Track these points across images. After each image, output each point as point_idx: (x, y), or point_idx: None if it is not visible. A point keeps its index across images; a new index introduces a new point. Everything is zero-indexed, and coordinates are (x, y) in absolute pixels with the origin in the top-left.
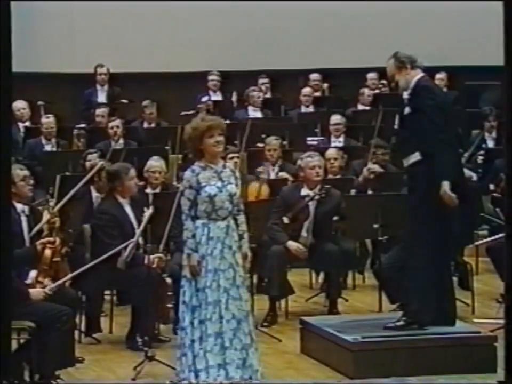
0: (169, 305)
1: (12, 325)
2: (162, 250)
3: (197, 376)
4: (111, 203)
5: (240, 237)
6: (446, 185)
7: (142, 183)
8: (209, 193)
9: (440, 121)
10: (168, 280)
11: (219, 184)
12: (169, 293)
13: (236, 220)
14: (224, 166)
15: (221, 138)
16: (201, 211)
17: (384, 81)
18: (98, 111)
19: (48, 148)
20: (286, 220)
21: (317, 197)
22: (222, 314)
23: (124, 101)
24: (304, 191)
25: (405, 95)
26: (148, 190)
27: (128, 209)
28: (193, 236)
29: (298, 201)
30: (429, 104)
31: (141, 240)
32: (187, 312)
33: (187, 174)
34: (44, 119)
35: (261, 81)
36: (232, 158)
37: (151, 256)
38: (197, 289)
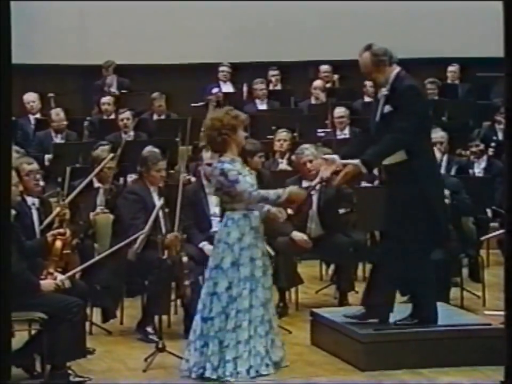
0: (187, 283)
1: (22, 316)
2: (177, 230)
3: (219, 367)
4: (140, 186)
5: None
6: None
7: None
8: (251, 183)
9: (414, 125)
10: (185, 259)
11: (253, 177)
12: (185, 271)
13: None
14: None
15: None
16: (241, 202)
17: None
18: (105, 99)
19: (57, 140)
20: (290, 211)
21: (318, 186)
22: (252, 303)
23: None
24: (305, 183)
25: (383, 91)
26: None
27: (155, 196)
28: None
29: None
30: (414, 104)
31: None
32: (216, 303)
33: (227, 165)
34: (53, 116)
35: (271, 73)
36: (260, 156)
37: (168, 235)
38: (239, 279)
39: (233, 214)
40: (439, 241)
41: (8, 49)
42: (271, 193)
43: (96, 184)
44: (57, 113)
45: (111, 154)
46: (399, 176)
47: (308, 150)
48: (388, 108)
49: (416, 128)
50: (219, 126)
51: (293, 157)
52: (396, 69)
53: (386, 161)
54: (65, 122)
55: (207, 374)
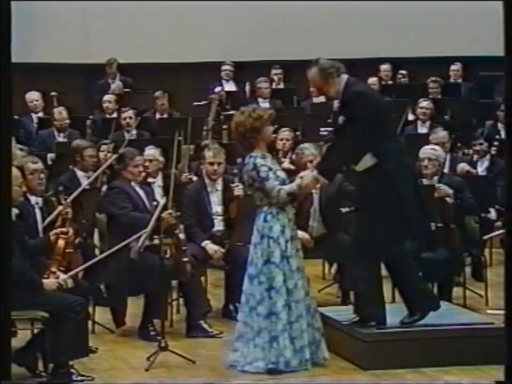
0: (185, 259)
1: (24, 315)
2: (171, 207)
3: (296, 354)
4: (121, 180)
5: None
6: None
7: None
8: (283, 178)
9: (378, 126)
10: (181, 236)
11: (281, 173)
12: (183, 248)
13: None
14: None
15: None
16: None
17: (403, 72)
18: (106, 97)
19: (60, 139)
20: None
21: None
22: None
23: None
24: None
25: (336, 104)
26: (149, 180)
27: (140, 191)
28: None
29: None
30: (361, 109)
31: None
32: (278, 297)
33: (259, 160)
34: (56, 114)
35: (273, 71)
36: None
37: (162, 214)
38: (291, 271)
39: (270, 208)
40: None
41: (7, 48)
42: (294, 186)
43: (80, 173)
44: (59, 112)
45: (115, 155)
46: (371, 180)
47: (308, 150)
48: (341, 119)
49: (370, 132)
50: (243, 131)
51: (293, 156)
52: (344, 78)
53: (357, 168)
54: (67, 121)
55: (281, 367)
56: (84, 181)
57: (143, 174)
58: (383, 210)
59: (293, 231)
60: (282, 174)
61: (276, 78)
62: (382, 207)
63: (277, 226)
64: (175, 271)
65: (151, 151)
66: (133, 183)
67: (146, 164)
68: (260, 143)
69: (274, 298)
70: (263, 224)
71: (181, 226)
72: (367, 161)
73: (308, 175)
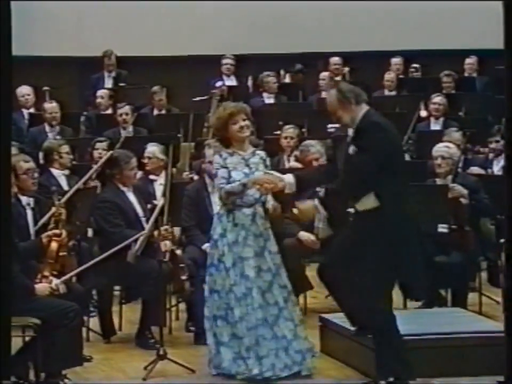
0: (184, 277)
1: (15, 321)
2: (166, 222)
3: (236, 362)
4: (112, 191)
5: (265, 199)
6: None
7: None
8: (234, 179)
9: (372, 159)
10: (178, 252)
11: (246, 170)
12: (181, 265)
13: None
14: (253, 153)
15: (245, 123)
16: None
17: (416, 65)
18: (98, 93)
19: (51, 135)
20: (295, 210)
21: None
22: (247, 303)
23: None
24: None
25: (350, 132)
26: (151, 177)
27: (131, 196)
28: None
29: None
30: (375, 141)
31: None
32: (220, 301)
33: (215, 158)
34: (46, 105)
35: (298, 66)
36: None
37: (161, 228)
38: (242, 276)
39: (220, 210)
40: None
41: (8, 42)
42: (235, 185)
43: (56, 171)
44: (50, 102)
45: (110, 152)
46: (369, 224)
47: (314, 147)
48: (352, 149)
49: (380, 167)
50: (218, 123)
51: (298, 152)
52: (364, 109)
53: (358, 207)
54: (58, 114)
55: (224, 373)
56: (61, 180)
57: (138, 174)
58: (377, 257)
59: (243, 237)
60: (238, 175)
61: (296, 77)
62: (376, 254)
63: (218, 228)
64: (173, 290)
65: (152, 148)
66: (125, 188)
67: (146, 161)
68: (232, 140)
69: (217, 302)
70: (212, 225)
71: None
72: (370, 202)
73: (308, 203)
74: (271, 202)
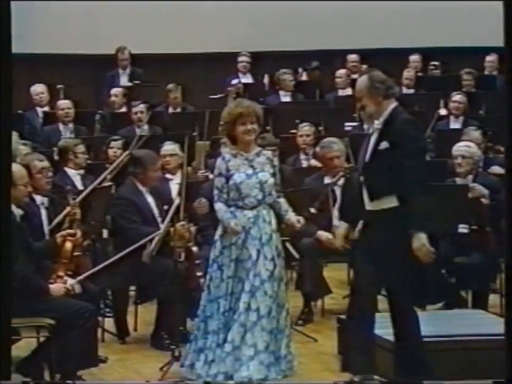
0: (199, 274)
1: (29, 322)
2: (183, 218)
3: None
4: (129, 189)
5: (286, 212)
6: (423, 238)
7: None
8: (235, 181)
9: (423, 163)
10: (195, 249)
11: (249, 171)
12: (197, 261)
13: (274, 205)
14: (258, 154)
15: (253, 126)
16: (230, 199)
17: (435, 63)
18: (113, 91)
19: (66, 134)
20: (313, 210)
21: (340, 181)
22: (231, 306)
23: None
24: (327, 179)
25: (376, 125)
26: (168, 176)
27: (148, 197)
28: (226, 211)
29: (322, 190)
30: (415, 141)
31: None
32: (203, 301)
33: (218, 161)
34: (59, 102)
35: (313, 64)
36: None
37: (177, 224)
38: (222, 279)
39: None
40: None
41: (8, 39)
42: (224, 217)
43: (71, 171)
44: (64, 102)
45: (126, 152)
46: (385, 225)
47: (336, 145)
48: (384, 144)
49: (415, 165)
50: (227, 118)
51: (318, 149)
52: (394, 104)
53: (371, 206)
54: (71, 111)
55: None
56: (76, 179)
57: (161, 176)
58: (395, 257)
59: (242, 240)
60: (238, 177)
61: (313, 74)
62: (394, 254)
63: (219, 229)
64: (187, 287)
65: (171, 146)
66: (143, 189)
67: (167, 159)
68: (237, 139)
69: (205, 300)
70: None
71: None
72: (390, 201)
73: (342, 226)
74: (292, 214)
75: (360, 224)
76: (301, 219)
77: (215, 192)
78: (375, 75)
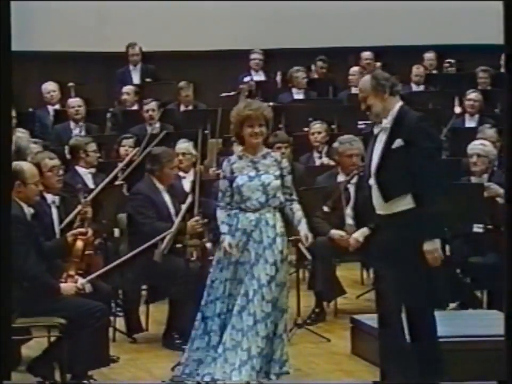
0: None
1: (40, 321)
2: (197, 213)
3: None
4: (147, 185)
5: (298, 222)
6: (437, 242)
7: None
8: (237, 183)
9: (439, 161)
10: (208, 245)
11: (252, 173)
12: (210, 258)
13: (287, 212)
14: (265, 156)
15: (261, 129)
16: (234, 201)
17: (451, 60)
18: (125, 89)
19: (76, 132)
20: (326, 208)
21: (354, 179)
22: (229, 308)
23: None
24: (341, 177)
25: (385, 124)
26: (180, 174)
27: (165, 195)
28: (225, 222)
29: (336, 188)
30: (431, 139)
31: None
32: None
33: (224, 163)
34: (70, 100)
35: (319, 64)
36: (279, 148)
37: (188, 222)
38: (220, 281)
39: (232, 211)
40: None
41: (7, 36)
42: (222, 226)
43: (82, 170)
44: (74, 100)
45: (136, 149)
46: (399, 227)
47: (356, 142)
48: (398, 142)
49: (432, 163)
50: (235, 119)
51: (336, 145)
52: (399, 102)
53: (384, 209)
54: (82, 108)
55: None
56: (87, 178)
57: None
58: (411, 260)
59: (244, 242)
60: (241, 180)
61: (319, 70)
62: (410, 257)
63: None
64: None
65: (184, 145)
66: (160, 186)
67: (180, 157)
68: (244, 140)
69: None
70: None
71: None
72: (405, 202)
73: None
74: (304, 227)
75: (367, 229)
76: (310, 236)
77: (219, 194)
78: (378, 73)
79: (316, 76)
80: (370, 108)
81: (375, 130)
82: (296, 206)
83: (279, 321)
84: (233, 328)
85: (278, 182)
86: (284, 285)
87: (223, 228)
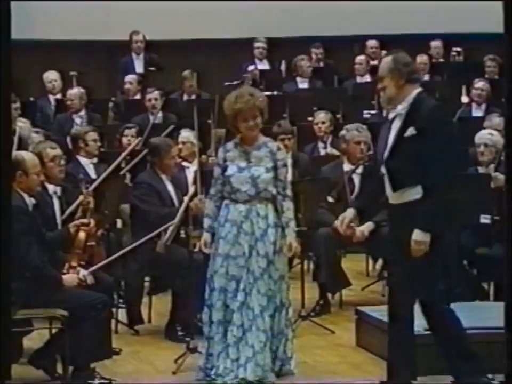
0: None
1: (42, 313)
2: (201, 192)
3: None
4: (150, 175)
5: (286, 225)
6: (428, 236)
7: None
8: (228, 173)
9: (452, 151)
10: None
11: (242, 164)
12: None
13: (278, 206)
14: (260, 146)
15: (256, 121)
16: (225, 191)
17: (458, 49)
18: (127, 78)
19: (78, 122)
20: (330, 199)
21: (359, 170)
22: (227, 303)
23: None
24: (346, 167)
25: (399, 110)
26: (184, 164)
27: (169, 185)
28: (209, 216)
29: (341, 179)
30: (444, 128)
31: None
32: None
33: (219, 150)
34: (68, 92)
35: (313, 50)
36: (283, 139)
37: (191, 203)
38: (215, 272)
39: (224, 201)
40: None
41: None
42: (204, 220)
43: (83, 160)
44: (71, 88)
45: (138, 138)
46: (410, 217)
47: (364, 130)
48: (411, 131)
49: (445, 153)
50: (227, 112)
51: (343, 132)
52: (418, 89)
53: (394, 199)
54: (77, 101)
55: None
56: (89, 168)
57: (178, 163)
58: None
59: (234, 235)
60: (231, 170)
61: (315, 57)
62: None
63: (217, 221)
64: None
65: (186, 133)
66: (163, 176)
67: (180, 146)
68: (239, 132)
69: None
70: None
71: None
72: (415, 191)
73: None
74: (291, 233)
75: (372, 223)
76: (294, 246)
77: (212, 181)
78: (399, 57)
79: (314, 64)
80: (384, 89)
81: (390, 115)
82: (287, 204)
83: (280, 316)
84: (233, 325)
85: (269, 175)
86: (282, 278)
87: (205, 222)
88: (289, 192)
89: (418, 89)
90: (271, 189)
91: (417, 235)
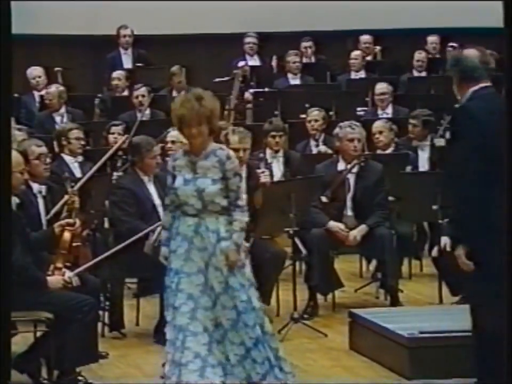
0: None
1: (26, 316)
2: None
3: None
4: (131, 178)
5: (230, 236)
6: (460, 249)
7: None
8: (175, 185)
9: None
10: None
11: (189, 176)
12: None
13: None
14: (208, 155)
15: (199, 129)
16: (176, 202)
17: (454, 44)
18: (115, 74)
19: (58, 119)
20: (324, 199)
21: (355, 169)
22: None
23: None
24: (341, 165)
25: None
26: None
27: (150, 186)
28: (165, 228)
29: (335, 178)
30: (466, 128)
31: None
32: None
33: (170, 158)
34: (45, 90)
35: (303, 44)
36: (274, 137)
37: None
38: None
39: (176, 213)
40: None
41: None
42: (163, 232)
43: (67, 158)
44: (47, 91)
45: (125, 136)
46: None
47: (358, 127)
48: (448, 136)
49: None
50: (172, 118)
51: (337, 130)
52: (476, 86)
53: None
54: (55, 101)
55: None
56: (74, 167)
57: (160, 162)
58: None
59: (186, 250)
60: (178, 181)
61: (306, 51)
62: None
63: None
64: None
65: (175, 132)
66: (145, 178)
67: (169, 145)
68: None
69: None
70: None
71: None
72: None
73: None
74: (228, 248)
75: (365, 227)
76: (231, 261)
77: (165, 189)
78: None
79: (305, 59)
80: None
81: None
82: (236, 215)
83: (255, 327)
84: (212, 342)
85: (216, 186)
86: (247, 285)
87: (162, 235)
88: (241, 202)
89: (475, 88)
90: (219, 200)
91: (457, 250)
